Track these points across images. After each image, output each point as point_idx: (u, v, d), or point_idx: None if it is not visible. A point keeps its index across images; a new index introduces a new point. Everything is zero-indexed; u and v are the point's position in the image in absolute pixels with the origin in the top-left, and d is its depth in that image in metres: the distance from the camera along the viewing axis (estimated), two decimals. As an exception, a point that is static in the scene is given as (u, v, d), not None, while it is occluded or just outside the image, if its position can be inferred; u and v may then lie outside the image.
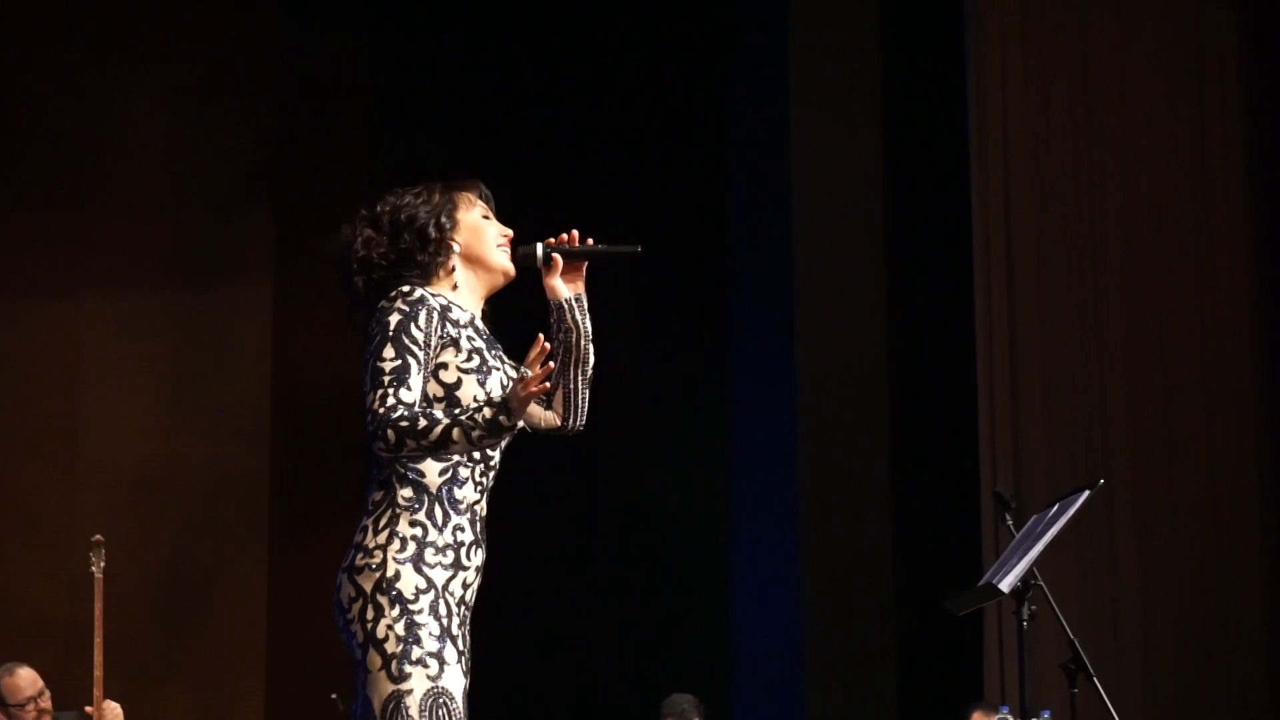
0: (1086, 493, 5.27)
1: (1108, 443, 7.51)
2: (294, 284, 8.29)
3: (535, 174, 7.77)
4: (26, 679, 6.44)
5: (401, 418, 3.72)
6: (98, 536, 6.53)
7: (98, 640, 6.40)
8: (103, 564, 6.49)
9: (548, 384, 3.70)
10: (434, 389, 3.80)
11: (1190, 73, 7.81)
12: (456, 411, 3.74)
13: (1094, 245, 7.62)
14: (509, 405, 3.70)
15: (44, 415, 8.07)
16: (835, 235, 7.53)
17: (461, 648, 3.79)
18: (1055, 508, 5.29)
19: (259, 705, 8.12)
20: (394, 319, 3.80)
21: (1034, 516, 5.43)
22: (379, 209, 3.97)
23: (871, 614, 7.38)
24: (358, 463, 8.13)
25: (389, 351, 3.78)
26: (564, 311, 4.02)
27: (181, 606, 8.08)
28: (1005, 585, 5.13)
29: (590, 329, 4.04)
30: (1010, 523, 5.56)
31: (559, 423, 4.08)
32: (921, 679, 7.43)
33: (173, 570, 8.07)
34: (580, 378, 4.05)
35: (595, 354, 4.06)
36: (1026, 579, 5.20)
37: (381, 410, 3.73)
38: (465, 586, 3.84)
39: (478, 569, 3.87)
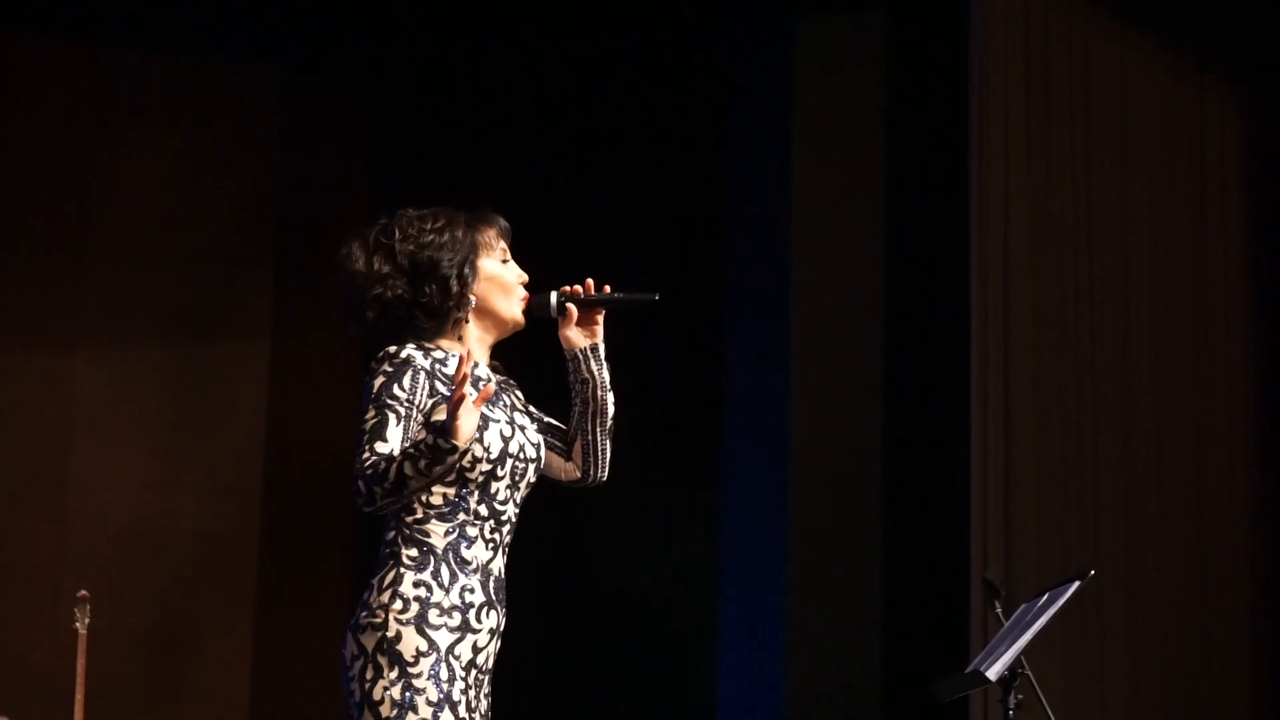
0: (1077, 583, 5.26)
1: (1099, 532, 7.49)
2: (291, 343, 8.28)
3: (539, 235, 7.75)
4: (-1, 727, 6.44)
5: (368, 467, 3.70)
6: (83, 592, 6.50)
7: (79, 696, 6.37)
8: (87, 619, 6.46)
9: (471, 394, 3.65)
10: None
11: (1192, 158, 7.84)
12: (405, 446, 3.72)
13: (1091, 330, 7.62)
14: (444, 427, 3.65)
15: (35, 467, 8.05)
16: (832, 317, 7.54)
17: (465, 714, 3.74)
18: (1045, 597, 5.28)
19: (239, 765, 8.09)
20: (378, 381, 3.80)
21: (1023, 605, 5.42)
22: (397, 242, 3.91)
23: (858, 699, 7.34)
24: (348, 523, 8.12)
25: (370, 412, 3.77)
26: (579, 362, 4.00)
27: (165, 663, 8.04)
28: (993, 673, 5.11)
29: (608, 379, 4.01)
30: (999, 610, 5.55)
31: (579, 474, 4.06)
32: (906, 764, 7.40)
33: (157, 626, 8.03)
34: (599, 429, 4.02)
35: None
36: (1014, 668, 5.19)
37: (356, 466, 3.73)
38: (476, 650, 3.79)
39: (492, 631, 3.82)
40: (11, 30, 8.16)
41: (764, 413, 7.59)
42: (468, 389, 3.63)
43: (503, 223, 4.05)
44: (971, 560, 7.24)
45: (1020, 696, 5.22)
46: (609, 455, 4.05)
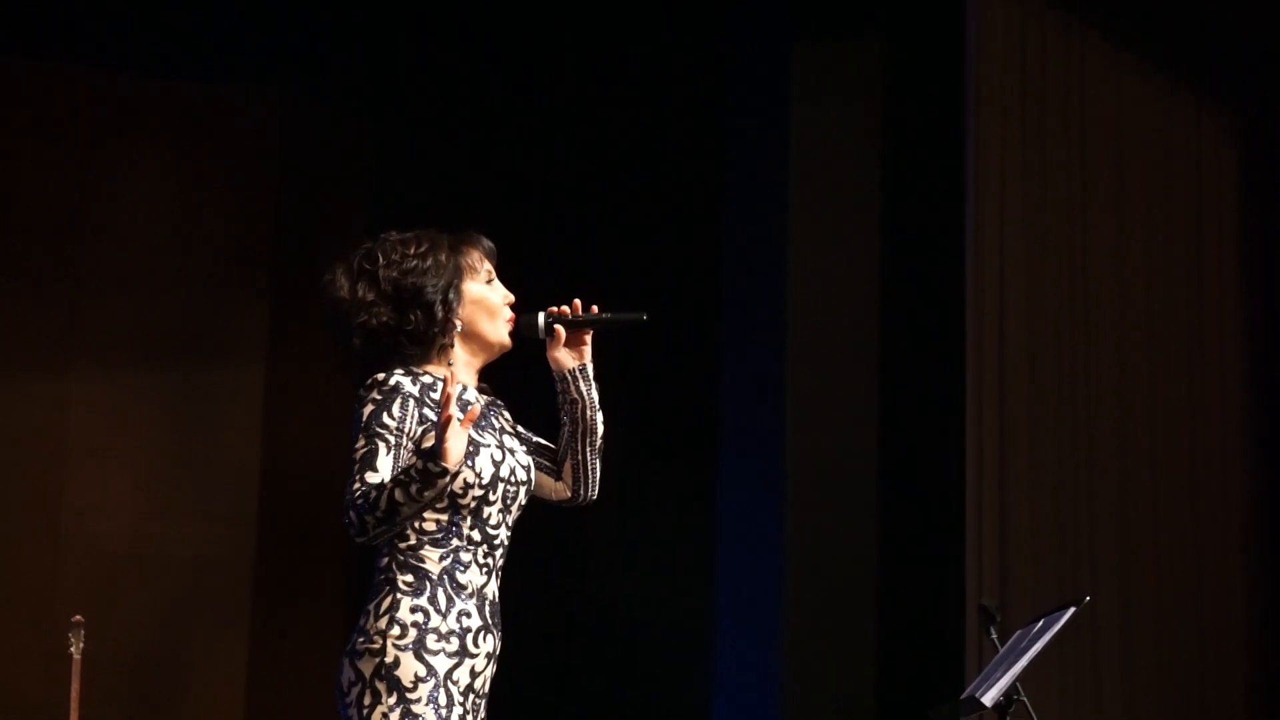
0: (1072, 609, 5.26)
1: (1095, 559, 7.49)
2: (286, 367, 8.28)
3: (535, 255, 7.76)
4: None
5: (358, 497, 3.69)
6: (78, 617, 6.49)
7: (73, 722, 6.37)
8: (82, 645, 6.44)
9: (458, 416, 3.64)
10: None
11: (1188, 184, 7.85)
12: (395, 473, 3.71)
13: (1086, 353, 7.63)
14: (434, 450, 3.64)
15: (30, 491, 8.03)
16: (828, 338, 7.54)
17: None
18: (1040, 623, 5.28)
19: (233, 791, 8.07)
20: (367, 410, 3.78)
21: (1019, 631, 5.42)
22: (381, 268, 3.90)
23: (853, 724, 7.34)
24: (342, 549, 8.11)
25: (359, 441, 3.76)
26: (568, 383, 3.99)
27: (160, 688, 8.02)
28: (988, 699, 5.11)
29: (597, 399, 4.00)
30: (995, 636, 5.55)
31: (569, 494, 4.05)
32: (902, 790, 7.39)
33: (151, 652, 8.01)
34: (589, 449, 4.01)
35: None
36: (1009, 693, 5.19)
37: (347, 497, 3.72)
38: (474, 674, 3.78)
39: (488, 655, 3.82)
40: (8, 54, 8.16)
41: (759, 432, 7.59)
42: (454, 410, 3.62)
43: (487, 243, 4.03)
44: (967, 585, 7.24)
45: (1016, 723, 5.22)
46: (599, 474, 4.05)
